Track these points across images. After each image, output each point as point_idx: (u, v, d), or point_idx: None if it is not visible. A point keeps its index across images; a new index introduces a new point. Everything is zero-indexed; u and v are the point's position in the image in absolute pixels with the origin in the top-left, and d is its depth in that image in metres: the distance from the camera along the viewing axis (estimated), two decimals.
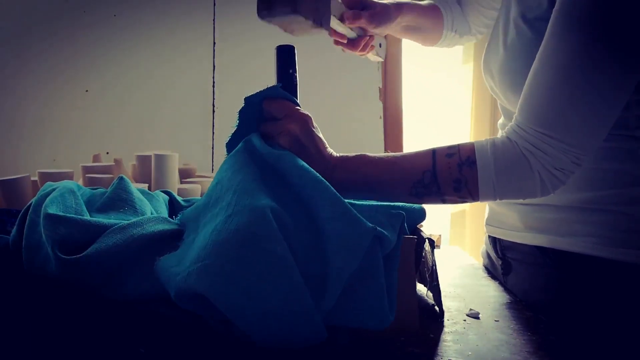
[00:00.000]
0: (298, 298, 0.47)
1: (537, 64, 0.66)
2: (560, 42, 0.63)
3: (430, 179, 0.68)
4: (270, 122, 0.69)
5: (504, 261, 0.87)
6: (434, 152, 0.68)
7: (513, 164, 0.66)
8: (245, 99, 0.69)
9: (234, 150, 0.65)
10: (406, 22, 0.98)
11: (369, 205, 0.60)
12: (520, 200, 0.81)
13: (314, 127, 0.69)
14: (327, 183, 0.57)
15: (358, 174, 0.69)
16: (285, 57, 0.73)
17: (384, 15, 0.91)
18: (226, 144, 0.69)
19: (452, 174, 0.67)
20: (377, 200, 0.65)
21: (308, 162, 0.63)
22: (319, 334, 0.48)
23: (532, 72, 0.66)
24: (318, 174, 0.59)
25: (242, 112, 0.69)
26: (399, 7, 0.94)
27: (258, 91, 0.69)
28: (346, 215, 0.54)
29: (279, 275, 0.47)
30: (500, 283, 0.84)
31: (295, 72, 0.73)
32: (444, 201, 0.68)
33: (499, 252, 0.89)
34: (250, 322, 0.47)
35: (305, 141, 0.68)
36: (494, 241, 0.90)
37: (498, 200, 0.70)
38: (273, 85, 0.69)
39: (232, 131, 0.69)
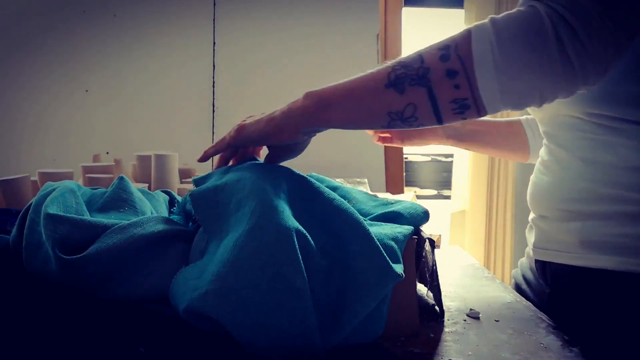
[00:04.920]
0: (308, 340, 0.48)
1: None
2: None
3: (413, 56, 0.53)
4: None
5: (554, 290, 0.73)
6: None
7: (516, 17, 0.50)
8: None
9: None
10: (470, 126, 0.94)
11: (381, 228, 0.59)
12: (586, 210, 0.66)
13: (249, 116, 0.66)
14: (360, 217, 0.55)
15: (327, 89, 0.60)
16: None
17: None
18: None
19: (439, 43, 0.53)
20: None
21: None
22: None
23: None
24: (351, 207, 0.56)
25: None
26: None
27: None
28: (374, 254, 0.53)
29: (293, 310, 0.48)
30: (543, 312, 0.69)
31: None
32: (430, 90, 0.51)
33: (548, 279, 0.74)
34: (256, 348, 0.49)
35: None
36: (543, 266, 0.75)
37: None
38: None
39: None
